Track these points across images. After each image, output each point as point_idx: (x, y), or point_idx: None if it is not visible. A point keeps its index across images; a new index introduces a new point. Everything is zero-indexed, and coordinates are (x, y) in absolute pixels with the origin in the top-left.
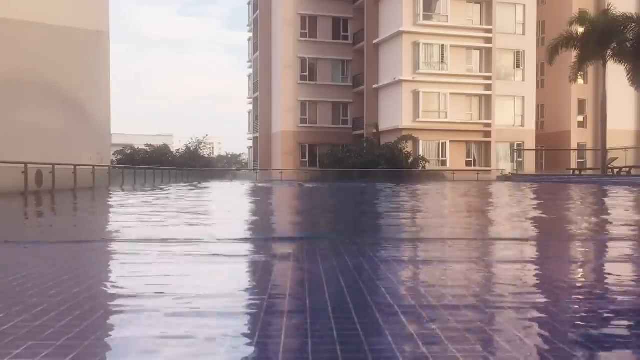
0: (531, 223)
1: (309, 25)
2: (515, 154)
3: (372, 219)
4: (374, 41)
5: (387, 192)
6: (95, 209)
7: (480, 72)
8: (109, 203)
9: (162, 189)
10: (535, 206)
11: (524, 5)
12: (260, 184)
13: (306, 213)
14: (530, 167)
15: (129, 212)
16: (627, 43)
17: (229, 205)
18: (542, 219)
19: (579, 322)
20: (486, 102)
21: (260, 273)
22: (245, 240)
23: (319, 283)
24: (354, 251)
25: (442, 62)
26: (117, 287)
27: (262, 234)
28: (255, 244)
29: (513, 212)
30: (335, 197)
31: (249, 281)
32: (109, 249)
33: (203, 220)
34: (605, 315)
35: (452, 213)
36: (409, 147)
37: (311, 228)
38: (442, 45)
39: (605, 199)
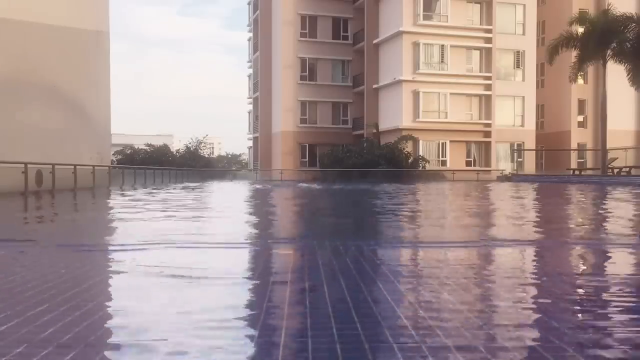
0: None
1: (309, 25)
2: (515, 154)
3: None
4: (374, 41)
5: (406, 196)
6: (93, 210)
7: (480, 72)
8: (107, 204)
9: (160, 190)
10: (550, 208)
11: (524, 5)
12: (259, 185)
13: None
14: (530, 167)
15: (123, 214)
16: (627, 43)
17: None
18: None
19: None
20: (486, 102)
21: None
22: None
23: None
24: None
25: (442, 62)
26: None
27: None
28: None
29: (519, 213)
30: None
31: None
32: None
33: (197, 225)
34: None
35: (470, 218)
36: (409, 147)
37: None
38: (442, 45)
39: (612, 200)
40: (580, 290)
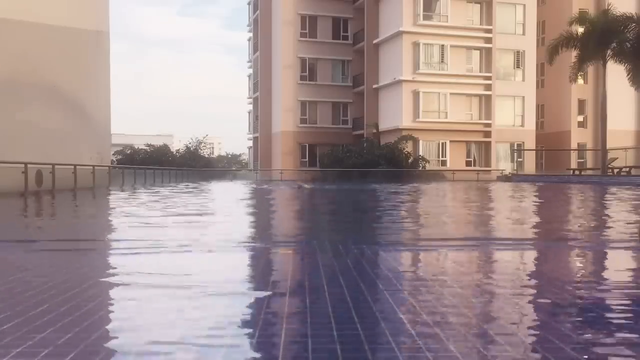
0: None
1: (309, 25)
2: (515, 154)
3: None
4: (374, 41)
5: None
6: (92, 210)
7: (480, 72)
8: (106, 205)
9: (160, 190)
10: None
11: (524, 5)
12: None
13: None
14: (530, 167)
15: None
16: (627, 43)
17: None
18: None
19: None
20: (486, 102)
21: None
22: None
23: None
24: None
25: (442, 62)
26: None
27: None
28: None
29: (520, 214)
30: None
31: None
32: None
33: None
34: None
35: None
36: (409, 147)
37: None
38: (442, 45)
39: (612, 201)
40: (583, 297)
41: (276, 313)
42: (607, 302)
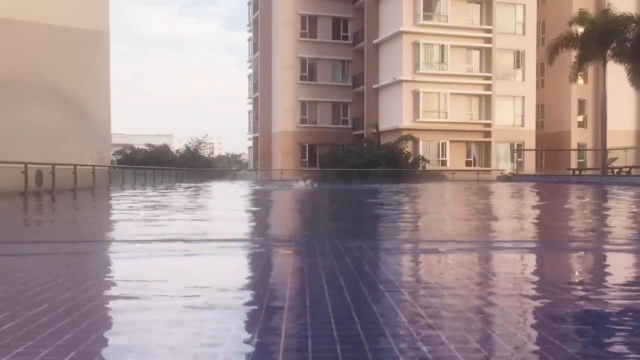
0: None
1: (309, 25)
2: (515, 154)
3: None
4: (374, 41)
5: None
6: (91, 211)
7: (480, 72)
8: (105, 205)
9: (159, 190)
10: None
11: (524, 5)
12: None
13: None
14: (530, 167)
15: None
16: (627, 43)
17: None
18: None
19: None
20: (486, 102)
21: None
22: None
23: None
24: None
25: (442, 62)
26: None
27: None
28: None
29: (521, 215)
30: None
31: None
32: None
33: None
34: None
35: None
36: (409, 147)
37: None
38: (442, 45)
39: (613, 201)
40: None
41: (276, 313)
42: (611, 305)
